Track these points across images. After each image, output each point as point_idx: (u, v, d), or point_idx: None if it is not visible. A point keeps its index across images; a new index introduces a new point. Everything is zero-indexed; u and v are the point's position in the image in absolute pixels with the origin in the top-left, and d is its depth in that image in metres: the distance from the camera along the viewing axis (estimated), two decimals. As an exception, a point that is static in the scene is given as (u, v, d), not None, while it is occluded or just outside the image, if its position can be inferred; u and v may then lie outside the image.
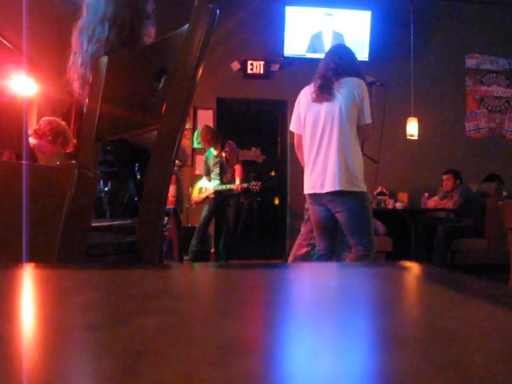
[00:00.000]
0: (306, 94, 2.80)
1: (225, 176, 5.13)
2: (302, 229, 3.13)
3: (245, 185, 4.99)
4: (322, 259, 2.83)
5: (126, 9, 1.63)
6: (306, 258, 3.06)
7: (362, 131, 2.74)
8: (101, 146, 1.67)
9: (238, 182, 5.04)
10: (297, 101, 2.87)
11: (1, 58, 3.71)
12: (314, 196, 2.76)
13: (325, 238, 2.84)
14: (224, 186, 5.06)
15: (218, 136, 5.22)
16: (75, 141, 3.48)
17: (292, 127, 2.91)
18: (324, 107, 2.69)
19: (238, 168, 5.11)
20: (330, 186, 2.66)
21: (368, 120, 2.72)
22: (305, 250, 3.07)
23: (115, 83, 1.15)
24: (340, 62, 2.72)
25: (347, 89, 2.67)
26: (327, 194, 2.67)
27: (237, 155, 5.24)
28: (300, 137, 2.86)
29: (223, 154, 5.14)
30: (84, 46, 1.63)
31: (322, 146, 2.69)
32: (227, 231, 5.33)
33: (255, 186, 4.98)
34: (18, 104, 1.37)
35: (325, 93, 2.68)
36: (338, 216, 2.72)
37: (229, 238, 5.35)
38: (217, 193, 5.10)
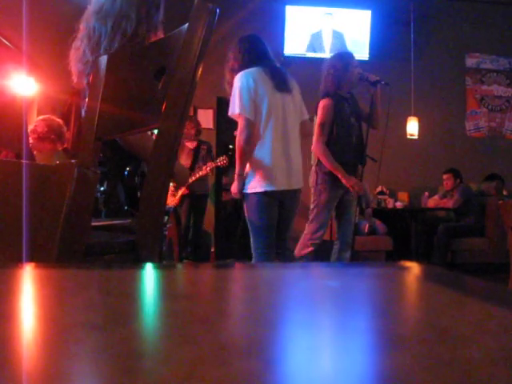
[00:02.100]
0: (262, 79, 2.47)
1: (196, 169, 4.96)
2: (307, 228, 3.11)
3: (212, 164, 4.71)
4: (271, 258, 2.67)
5: (156, 9, 1.63)
6: (309, 258, 3.05)
7: (308, 127, 2.72)
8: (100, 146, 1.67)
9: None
10: (248, 82, 2.44)
11: (1, 58, 3.71)
12: (281, 193, 2.53)
13: (274, 237, 2.66)
14: (193, 177, 4.90)
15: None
16: (69, 134, 3.48)
17: (249, 113, 2.44)
18: (287, 99, 2.53)
19: (210, 164, 4.84)
20: (301, 182, 2.63)
21: (308, 115, 2.70)
22: (309, 249, 3.05)
23: (115, 83, 1.15)
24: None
25: (296, 85, 2.63)
26: (297, 190, 2.62)
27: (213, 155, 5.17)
28: (253, 126, 2.46)
29: (201, 150, 5.01)
30: (99, 32, 1.59)
31: (291, 141, 2.53)
32: (200, 231, 5.21)
33: (222, 160, 4.69)
34: (17, 104, 1.37)
35: (285, 83, 2.53)
36: (291, 213, 2.64)
37: (199, 238, 5.22)
38: (190, 187, 4.82)
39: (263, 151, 2.50)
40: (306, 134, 2.76)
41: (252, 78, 2.44)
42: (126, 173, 1.70)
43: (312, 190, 3.13)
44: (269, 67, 2.51)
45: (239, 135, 2.47)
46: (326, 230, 3.13)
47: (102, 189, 1.67)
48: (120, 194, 1.68)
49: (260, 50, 2.56)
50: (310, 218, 3.08)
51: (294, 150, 2.56)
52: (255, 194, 2.52)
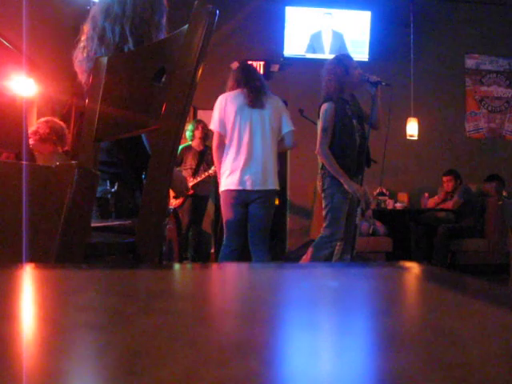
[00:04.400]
0: (234, 98, 3.00)
1: (200, 171, 4.95)
2: (324, 231, 3.11)
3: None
4: (235, 254, 3.03)
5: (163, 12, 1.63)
6: (326, 259, 3.06)
7: (290, 138, 3.07)
8: (110, 147, 1.66)
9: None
10: (220, 103, 3.02)
11: (1, 59, 3.71)
12: (243, 192, 2.94)
13: (240, 235, 3.04)
14: (199, 177, 4.88)
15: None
16: (69, 135, 3.47)
17: (218, 127, 3.01)
18: (257, 114, 2.97)
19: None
20: (269, 184, 2.98)
21: (292, 126, 3.07)
22: (326, 251, 3.06)
23: (115, 84, 1.15)
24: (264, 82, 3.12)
25: (276, 103, 3.08)
26: (265, 191, 2.96)
27: None
28: (223, 137, 3.03)
29: (207, 154, 4.98)
30: (110, 32, 1.57)
31: (257, 148, 2.96)
32: (199, 232, 5.21)
33: None
34: (18, 104, 1.37)
35: (259, 101, 2.97)
36: (260, 211, 2.98)
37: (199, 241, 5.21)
38: (195, 188, 4.85)
39: (229, 156, 2.99)
40: (290, 146, 3.17)
41: (224, 99, 3.02)
42: (143, 176, 1.68)
43: (322, 195, 3.14)
44: (247, 88, 2.98)
45: (213, 145, 3.10)
46: (343, 231, 3.12)
47: (112, 190, 1.66)
48: (137, 196, 1.67)
49: (245, 76, 3.04)
50: (326, 222, 3.09)
51: (261, 156, 2.97)
52: (222, 192, 3.04)
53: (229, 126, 2.99)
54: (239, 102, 2.98)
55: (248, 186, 2.93)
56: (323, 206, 3.14)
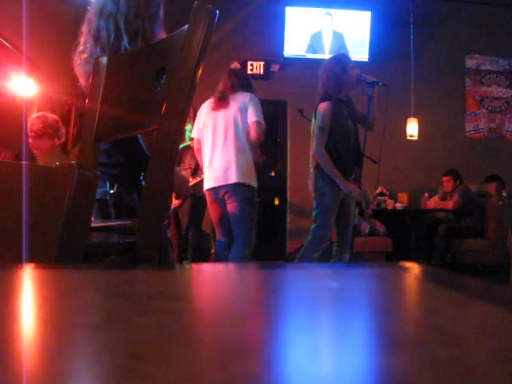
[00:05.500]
0: (206, 106, 3.24)
1: (199, 171, 4.97)
2: (314, 233, 3.11)
3: None
4: (227, 251, 3.13)
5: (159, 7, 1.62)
6: (319, 260, 3.08)
7: (255, 129, 3.05)
8: (109, 148, 1.66)
9: None
10: (198, 111, 3.31)
11: (1, 59, 3.71)
12: (213, 190, 3.10)
13: (227, 232, 3.15)
14: (198, 178, 4.89)
15: None
16: (69, 135, 3.49)
17: (194, 134, 3.30)
18: (220, 114, 3.11)
19: None
20: (231, 178, 3.03)
21: (256, 117, 3.02)
22: (319, 252, 3.08)
23: (115, 84, 1.15)
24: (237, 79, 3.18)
25: (240, 98, 3.10)
26: (227, 185, 3.02)
27: None
28: (199, 142, 3.26)
29: None
30: (107, 34, 1.57)
31: (220, 146, 3.10)
32: (199, 232, 5.20)
33: None
34: (18, 104, 1.37)
35: (223, 102, 3.11)
36: (230, 206, 3.06)
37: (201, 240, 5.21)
38: (194, 188, 4.93)
39: (203, 158, 3.21)
40: (254, 137, 3.09)
41: (201, 107, 3.30)
42: (141, 177, 1.68)
43: (313, 195, 3.13)
44: (216, 94, 3.16)
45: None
46: (332, 231, 3.14)
47: (111, 191, 1.65)
48: (134, 198, 1.66)
49: (222, 85, 3.16)
50: (317, 223, 3.08)
51: (222, 153, 3.07)
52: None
53: (201, 131, 3.23)
54: (208, 107, 3.22)
55: (214, 184, 3.08)
56: (314, 205, 3.14)
